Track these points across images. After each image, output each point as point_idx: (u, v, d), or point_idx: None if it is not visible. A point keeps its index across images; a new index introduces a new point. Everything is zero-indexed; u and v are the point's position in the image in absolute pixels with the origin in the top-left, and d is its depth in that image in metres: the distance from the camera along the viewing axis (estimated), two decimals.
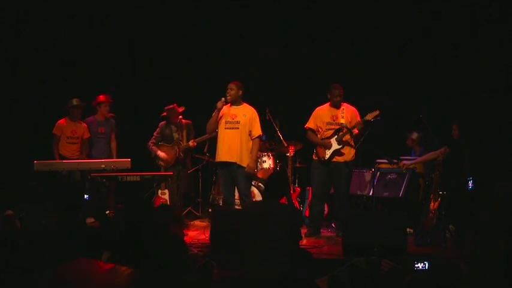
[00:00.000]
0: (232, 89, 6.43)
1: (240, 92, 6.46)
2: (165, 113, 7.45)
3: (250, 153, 6.43)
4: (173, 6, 8.63)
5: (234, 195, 6.65)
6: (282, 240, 4.33)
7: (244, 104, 6.54)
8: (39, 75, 8.47)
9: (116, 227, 5.05)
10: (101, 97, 7.79)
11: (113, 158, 7.64)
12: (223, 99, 6.41)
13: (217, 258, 4.82)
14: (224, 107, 6.47)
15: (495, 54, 7.64)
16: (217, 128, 6.51)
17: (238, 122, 6.43)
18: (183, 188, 7.53)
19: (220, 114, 6.46)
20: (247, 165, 6.37)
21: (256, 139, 6.47)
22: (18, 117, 8.35)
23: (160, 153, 7.41)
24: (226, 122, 6.45)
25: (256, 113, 6.53)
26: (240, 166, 6.37)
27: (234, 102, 6.47)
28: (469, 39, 7.75)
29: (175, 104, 7.40)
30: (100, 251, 3.84)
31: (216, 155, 6.53)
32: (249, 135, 6.45)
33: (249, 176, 6.47)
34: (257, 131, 6.48)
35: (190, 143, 7.29)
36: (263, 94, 7.75)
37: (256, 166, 7.06)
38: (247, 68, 8.33)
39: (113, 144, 7.91)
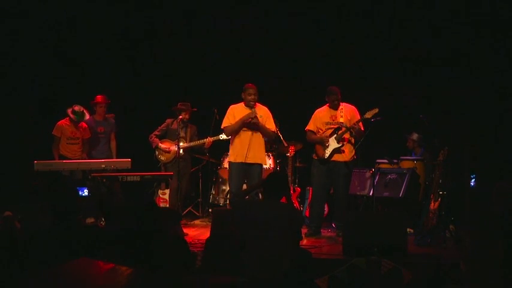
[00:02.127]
0: (256, 94, 6.55)
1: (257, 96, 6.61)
2: (177, 107, 7.49)
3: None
4: (174, 6, 8.62)
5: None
6: (282, 239, 4.33)
7: (258, 104, 6.64)
8: (40, 75, 8.47)
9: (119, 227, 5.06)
10: (98, 97, 7.81)
11: (112, 158, 7.65)
12: (254, 109, 6.49)
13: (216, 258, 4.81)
14: (239, 108, 6.58)
15: (496, 54, 7.63)
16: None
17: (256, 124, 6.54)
18: (184, 188, 7.56)
19: (235, 116, 6.54)
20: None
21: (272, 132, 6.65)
22: (19, 117, 8.35)
23: (162, 145, 7.53)
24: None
25: (269, 112, 6.68)
26: (258, 165, 6.55)
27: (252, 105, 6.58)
28: (469, 39, 7.74)
29: (189, 103, 7.53)
30: (100, 251, 3.84)
31: (235, 155, 6.54)
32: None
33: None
34: (271, 126, 6.63)
35: (207, 141, 7.37)
36: (263, 94, 7.74)
37: None
38: (249, 68, 8.34)
39: (113, 144, 7.91)
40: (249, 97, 6.52)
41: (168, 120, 7.66)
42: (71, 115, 7.55)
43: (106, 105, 7.84)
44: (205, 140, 7.40)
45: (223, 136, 7.14)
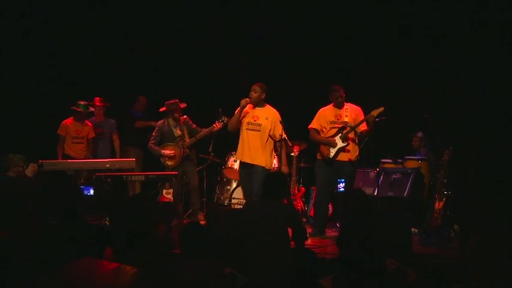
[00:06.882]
0: (256, 92, 6.38)
1: (264, 95, 6.42)
2: (164, 108, 7.42)
3: (279, 156, 6.56)
4: (174, 5, 8.62)
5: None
6: (282, 240, 4.33)
7: (268, 106, 6.50)
8: (43, 75, 8.49)
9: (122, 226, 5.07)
10: (96, 99, 7.92)
11: (115, 158, 7.68)
12: (247, 98, 6.36)
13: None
14: (247, 107, 6.44)
15: (496, 54, 7.61)
16: (239, 126, 6.49)
17: (259, 125, 6.39)
18: (194, 183, 7.48)
19: (243, 114, 6.44)
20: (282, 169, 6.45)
21: (283, 141, 6.43)
22: (22, 117, 8.37)
23: (166, 151, 7.36)
24: (248, 123, 6.43)
25: (278, 116, 6.47)
26: (259, 167, 6.37)
27: (258, 104, 6.43)
28: (470, 39, 7.72)
29: (177, 100, 7.38)
30: (103, 248, 3.85)
31: (237, 153, 6.56)
32: (272, 137, 6.41)
33: None
34: (277, 132, 6.42)
35: (215, 127, 7.18)
36: (267, 93, 7.76)
37: None
38: (250, 67, 8.34)
39: (116, 144, 8.01)
40: (250, 93, 6.45)
41: (159, 123, 7.48)
42: (77, 109, 7.58)
43: (102, 108, 7.90)
44: (213, 125, 7.20)
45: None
